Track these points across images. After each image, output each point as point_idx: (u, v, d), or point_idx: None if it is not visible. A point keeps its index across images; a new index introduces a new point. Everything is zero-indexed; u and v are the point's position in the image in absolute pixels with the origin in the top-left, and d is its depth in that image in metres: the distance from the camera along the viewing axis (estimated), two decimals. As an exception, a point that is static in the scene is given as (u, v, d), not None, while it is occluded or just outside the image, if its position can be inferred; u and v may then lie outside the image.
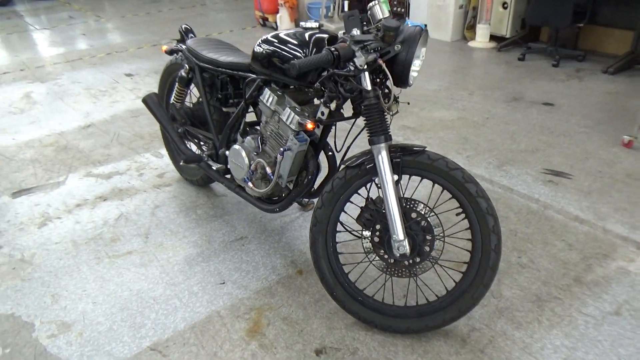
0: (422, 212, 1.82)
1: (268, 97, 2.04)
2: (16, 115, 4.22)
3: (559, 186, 2.82)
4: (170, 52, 2.60)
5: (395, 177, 1.77)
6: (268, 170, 2.11)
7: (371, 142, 1.76)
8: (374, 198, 1.86)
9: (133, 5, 9.27)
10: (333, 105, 1.85)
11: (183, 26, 2.70)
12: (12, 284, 2.24)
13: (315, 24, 1.90)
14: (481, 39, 5.69)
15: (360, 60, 1.66)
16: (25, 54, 6.20)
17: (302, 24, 1.92)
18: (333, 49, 1.63)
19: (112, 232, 2.58)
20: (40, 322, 2.03)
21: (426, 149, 1.83)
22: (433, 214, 1.84)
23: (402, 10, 7.07)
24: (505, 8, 5.47)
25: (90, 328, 1.98)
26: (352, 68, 1.67)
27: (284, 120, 1.98)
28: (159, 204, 2.81)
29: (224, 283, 2.19)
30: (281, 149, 1.99)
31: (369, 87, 1.73)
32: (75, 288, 2.20)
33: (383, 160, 1.75)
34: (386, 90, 1.82)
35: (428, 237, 1.83)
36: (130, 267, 2.31)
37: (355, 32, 1.70)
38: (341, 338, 1.89)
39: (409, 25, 1.73)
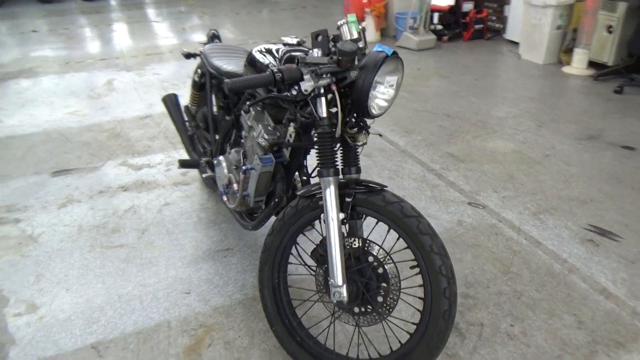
0: (380, 258, 1.63)
1: (249, 110, 1.96)
2: (92, 100, 4.58)
3: (598, 248, 2.39)
4: (188, 56, 2.62)
5: (342, 215, 1.59)
6: (235, 186, 2.04)
7: (319, 174, 1.60)
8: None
9: (240, 4, 9.70)
10: (291, 129, 1.72)
11: (211, 31, 2.71)
12: (11, 258, 2.41)
13: (294, 40, 1.79)
14: (577, 64, 5.08)
15: (306, 84, 1.51)
16: (127, 43, 6.75)
17: (283, 38, 1.81)
18: (277, 69, 1.50)
19: (116, 223, 2.67)
20: (15, 299, 2.15)
21: (386, 188, 1.63)
22: (391, 261, 1.64)
23: (500, 26, 6.58)
24: (610, 32, 4.83)
25: (51, 314, 2.06)
26: (294, 92, 1.52)
27: (255, 137, 1.90)
28: (169, 201, 2.87)
29: (188, 293, 2.16)
30: (243, 167, 1.90)
31: (324, 114, 1.57)
32: (59, 272, 2.30)
33: (329, 195, 1.59)
34: (354, 120, 1.66)
35: (383, 286, 1.64)
36: (114, 260, 2.37)
37: (316, 53, 1.56)
38: (273, 377, 1.76)
39: (376, 50, 1.55)
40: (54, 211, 2.79)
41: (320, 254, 1.73)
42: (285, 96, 1.54)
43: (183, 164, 2.42)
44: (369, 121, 1.70)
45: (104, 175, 3.18)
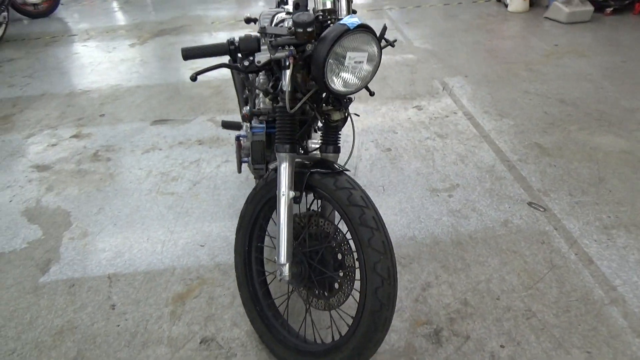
0: (341, 243, 1.56)
1: (247, 77, 1.98)
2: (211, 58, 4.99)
3: (669, 282, 1.92)
4: (247, 21, 2.68)
5: (292, 193, 1.55)
6: (241, 152, 2.08)
7: (275, 149, 1.57)
8: (313, 211, 1.66)
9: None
10: (262, 99, 1.70)
11: None
12: (89, 190, 2.83)
13: (273, 10, 1.74)
14: None
15: (261, 56, 1.46)
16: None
17: (265, 7, 1.77)
18: (233, 38, 1.48)
19: (179, 172, 2.94)
20: (76, 225, 2.54)
21: (346, 172, 1.54)
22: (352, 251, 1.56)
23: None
24: None
25: (94, 243, 2.39)
26: (245, 63, 1.49)
27: (256, 104, 1.91)
28: (230, 159, 3.05)
29: (203, 246, 2.31)
30: (236, 134, 1.93)
31: (284, 87, 1.52)
32: (116, 209, 2.64)
33: (282, 170, 1.55)
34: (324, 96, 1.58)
35: (339, 274, 1.58)
36: (160, 206, 2.64)
37: (287, 23, 1.50)
38: (232, 338, 1.83)
39: (341, 22, 1.42)
40: (137, 155, 3.18)
41: (297, 226, 1.71)
42: (235, 67, 1.52)
43: (225, 124, 2.54)
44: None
45: (190, 128, 3.49)
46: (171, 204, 2.64)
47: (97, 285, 2.12)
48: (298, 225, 1.71)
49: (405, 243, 2.22)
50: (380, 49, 1.49)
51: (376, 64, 1.50)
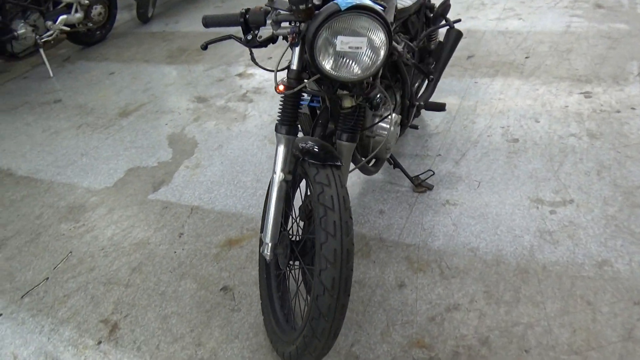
0: None
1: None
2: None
3: None
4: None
5: (282, 175, 1.51)
6: None
7: (275, 129, 1.53)
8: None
9: None
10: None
11: None
12: (222, 126, 3.18)
13: None
14: None
15: (265, 30, 1.41)
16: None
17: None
18: (245, 10, 1.44)
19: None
20: (195, 156, 2.91)
21: (337, 164, 1.43)
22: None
23: None
24: None
25: (200, 174, 2.72)
26: (249, 37, 1.44)
27: None
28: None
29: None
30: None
31: (293, 66, 1.45)
32: (230, 148, 2.92)
33: (277, 152, 1.51)
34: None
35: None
36: (264, 154, 2.82)
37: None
38: (246, 295, 1.94)
39: (334, 2, 1.27)
40: (276, 100, 3.39)
41: (306, 209, 1.69)
42: (239, 40, 1.48)
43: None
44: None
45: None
46: (272, 154, 2.80)
47: (180, 213, 2.44)
48: (307, 207, 1.67)
49: (461, 252, 1.96)
50: (388, 34, 1.29)
51: (383, 53, 1.31)
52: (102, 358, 1.76)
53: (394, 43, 1.46)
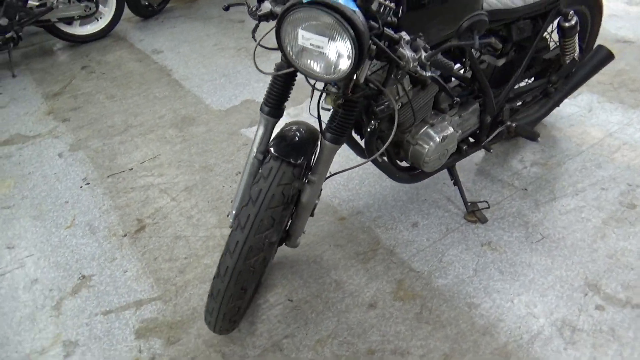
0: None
1: None
2: None
3: None
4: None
5: (255, 154, 1.51)
6: None
7: (260, 108, 1.51)
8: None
9: None
10: None
11: None
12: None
13: None
14: None
15: (265, 5, 1.36)
16: None
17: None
18: None
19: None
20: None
21: (294, 162, 1.38)
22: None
23: None
24: None
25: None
26: (253, 9, 1.39)
27: None
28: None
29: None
30: None
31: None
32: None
33: (257, 130, 1.52)
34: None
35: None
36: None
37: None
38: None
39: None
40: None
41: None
42: (248, 8, 1.44)
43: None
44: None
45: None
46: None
47: (252, 153, 2.60)
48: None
49: (457, 302, 1.71)
50: (358, 42, 1.14)
51: (349, 63, 1.17)
52: (117, 247, 2.09)
53: (403, 50, 1.27)
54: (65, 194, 2.43)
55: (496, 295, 1.73)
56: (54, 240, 2.16)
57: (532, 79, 2.30)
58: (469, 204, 2.05)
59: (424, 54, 1.27)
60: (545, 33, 2.04)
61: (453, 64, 1.43)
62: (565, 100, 2.63)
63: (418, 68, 1.30)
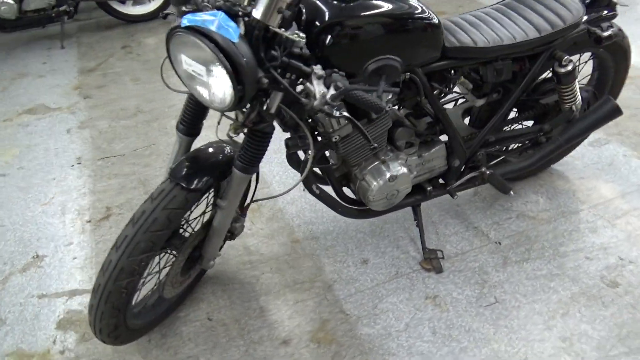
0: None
1: None
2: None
3: None
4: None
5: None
6: None
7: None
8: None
9: None
10: None
11: None
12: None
13: None
14: None
15: None
16: None
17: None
18: None
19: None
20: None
21: (186, 186, 1.33)
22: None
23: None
24: None
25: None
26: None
27: None
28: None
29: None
30: None
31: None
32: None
33: (172, 150, 1.48)
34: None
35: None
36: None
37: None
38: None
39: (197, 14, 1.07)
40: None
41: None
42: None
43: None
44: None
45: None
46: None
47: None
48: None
49: (375, 355, 1.58)
50: (235, 76, 1.05)
51: (230, 96, 1.09)
52: (79, 232, 2.14)
53: (310, 85, 1.17)
54: (56, 170, 2.54)
55: (415, 353, 1.58)
56: (27, 215, 2.25)
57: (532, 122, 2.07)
58: (427, 249, 1.89)
59: (330, 93, 1.16)
60: (543, 75, 1.82)
61: (383, 104, 1.30)
62: (588, 147, 2.37)
63: (325, 107, 1.19)
